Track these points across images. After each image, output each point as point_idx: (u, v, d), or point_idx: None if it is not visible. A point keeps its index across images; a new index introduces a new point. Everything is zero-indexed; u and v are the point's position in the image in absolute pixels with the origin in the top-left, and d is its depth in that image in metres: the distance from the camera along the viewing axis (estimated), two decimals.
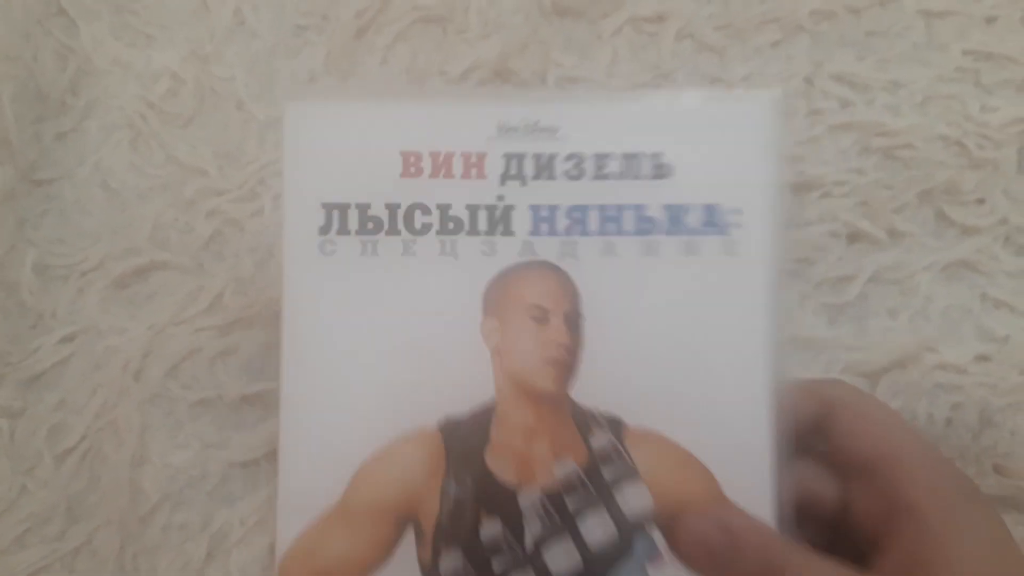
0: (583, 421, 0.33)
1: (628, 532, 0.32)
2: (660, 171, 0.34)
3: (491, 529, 0.32)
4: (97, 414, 0.39)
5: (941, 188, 0.46)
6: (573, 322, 0.33)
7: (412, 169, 0.34)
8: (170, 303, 0.41)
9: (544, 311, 0.33)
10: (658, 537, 0.32)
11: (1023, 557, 0.32)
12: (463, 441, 0.32)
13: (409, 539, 0.31)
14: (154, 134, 0.46)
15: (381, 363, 0.32)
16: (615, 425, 0.33)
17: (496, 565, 0.31)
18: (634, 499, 0.32)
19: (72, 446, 0.38)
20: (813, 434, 0.35)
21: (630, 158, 0.34)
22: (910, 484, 0.32)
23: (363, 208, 0.33)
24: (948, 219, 0.46)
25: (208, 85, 0.46)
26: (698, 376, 0.33)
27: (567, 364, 0.33)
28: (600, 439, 0.33)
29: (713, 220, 0.34)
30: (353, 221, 0.33)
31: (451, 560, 0.31)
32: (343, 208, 0.33)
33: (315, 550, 0.31)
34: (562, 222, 0.34)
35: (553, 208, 0.34)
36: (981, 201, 0.46)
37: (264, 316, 0.41)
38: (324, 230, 0.33)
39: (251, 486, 0.38)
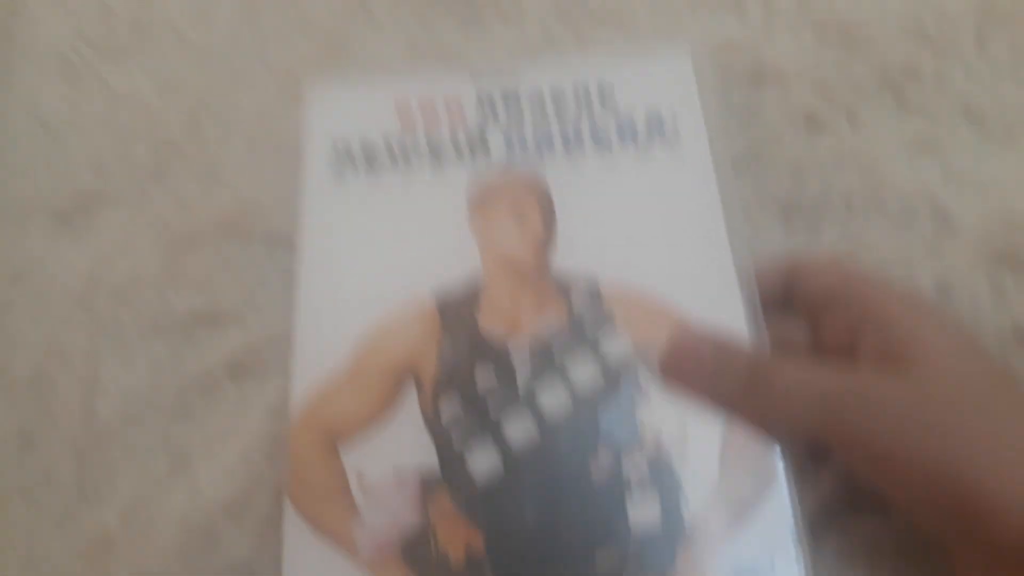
0: (564, 285, 0.37)
1: (613, 374, 0.35)
2: (605, 93, 0.41)
3: (485, 378, 0.35)
4: (46, 345, 0.38)
5: (899, 72, 0.45)
6: (548, 215, 0.38)
7: (405, 116, 0.41)
8: (114, 233, 0.40)
9: (522, 208, 0.38)
10: (643, 377, 0.35)
11: (990, 355, 0.32)
12: (456, 307, 0.36)
13: (412, 394, 0.35)
14: (89, 67, 0.44)
15: (384, 256, 0.37)
16: (593, 286, 0.37)
17: (492, 409, 0.34)
18: (615, 346, 0.35)
19: (23, 377, 0.37)
20: (781, 297, 0.36)
21: (581, 87, 0.41)
22: (874, 298, 0.32)
23: (367, 144, 0.40)
24: (908, 101, 0.45)
25: (143, 15, 0.44)
26: (666, 248, 0.37)
27: (545, 245, 0.37)
28: (580, 298, 0.36)
29: (657, 130, 0.40)
30: (359, 154, 0.40)
31: (450, 407, 0.34)
32: (350, 145, 0.40)
33: (325, 407, 0.34)
34: (531, 144, 0.40)
35: (522, 135, 0.40)
36: (938, 81, 0.45)
37: (212, 235, 0.40)
38: (334, 162, 0.40)
39: (212, 403, 0.37)
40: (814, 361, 0.32)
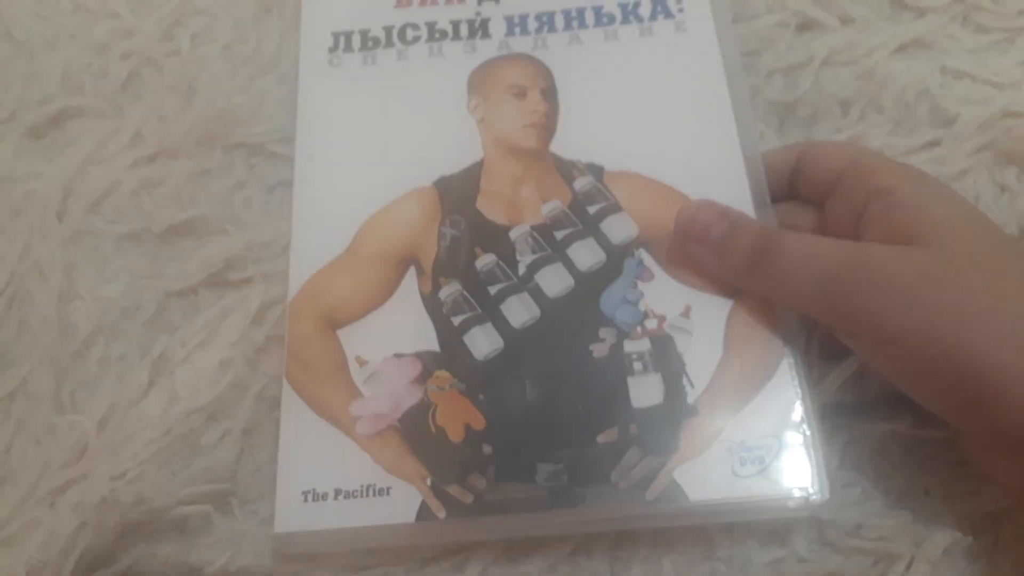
0: (566, 170, 0.36)
1: (616, 255, 0.34)
2: None
3: (485, 261, 0.34)
4: (20, 257, 0.37)
5: None
6: (549, 95, 0.38)
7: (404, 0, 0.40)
8: (88, 145, 0.39)
9: (522, 87, 0.38)
10: (646, 259, 0.34)
11: (1002, 232, 0.31)
12: (456, 191, 0.36)
13: (411, 279, 0.34)
14: None
15: (382, 140, 0.37)
16: (595, 170, 0.36)
17: (492, 291, 0.34)
18: (618, 227, 0.35)
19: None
20: (788, 184, 0.35)
21: None
22: (883, 176, 0.31)
23: (364, 32, 0.39)
24: (901, 2, 0.43)
25: None
26: (670, 131, 0.37)
27: (546, 126, 0.37)
28: (582, 182, 0.36)
29: (662, 8, 0.40)
30: (356, 42, 0.39)
31: (449, 288, 0.34)
32: (348, 34, 0.39)
33: (323, 290, 0.34)
34: (532, 25, 0.39)
35: (524, 15, 0.40)
36: None
37: (189, 146, 0.39)
38: (332, 50, 0.39)
39: (190, 312, 0.36)
40: (823, 237, 0.31)
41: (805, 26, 0.43)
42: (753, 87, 0.41)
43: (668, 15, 0.39)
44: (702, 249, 0.33)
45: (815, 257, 0.30)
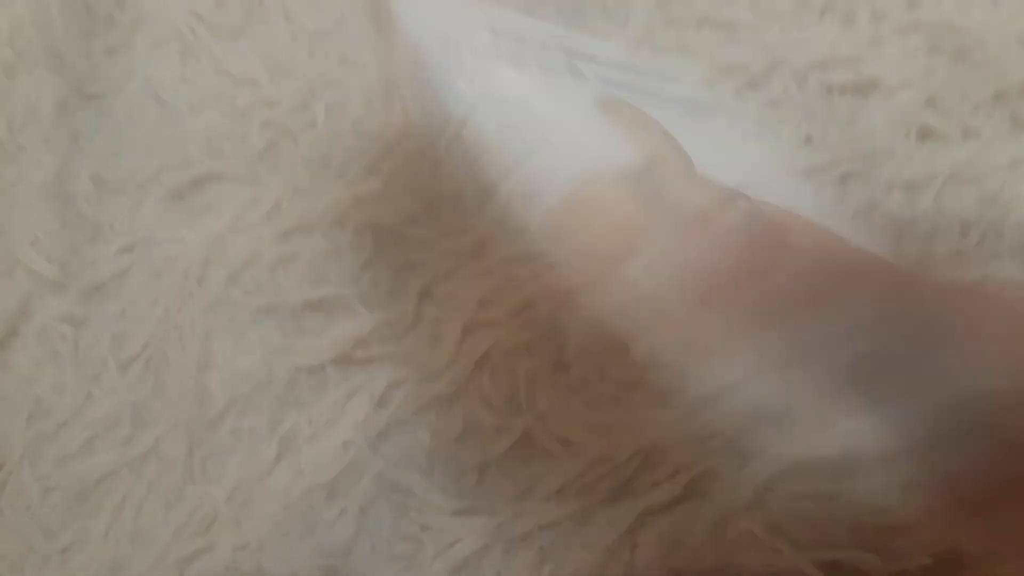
0: None
1: None
2: None
3: None
4: (160, 321, 0.38)
5: (1016, 90, 0.44)
6: None
7: None
8: (227, 212, 0.41)
9: None
10: None
11: None
12: None
13: None
14: (203, 46, 0.45)
15: None
16: None
17: None
18: None
19: (136, 353, 0.38)
20: None
21: None
22: None
23: None
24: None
25: None
26: None
27: None
28: None
29: None
30: None
31: None
32: None
33: None
34: None
35: None
36: None
37: (323, 223, 0.40)
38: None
39: (318, 390, 0.37)
40: None
41: (924, 135, 0.44)
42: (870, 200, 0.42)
43: None
44: None
45: None
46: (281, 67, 0.45)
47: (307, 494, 0.35)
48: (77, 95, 0.44)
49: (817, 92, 0.45)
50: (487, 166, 0.29)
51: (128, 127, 0.43)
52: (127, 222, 0.41)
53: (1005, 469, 0.22)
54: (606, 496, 0.35)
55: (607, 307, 0.26)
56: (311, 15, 0.46)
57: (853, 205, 0.42)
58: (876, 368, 0.23)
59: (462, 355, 0.37)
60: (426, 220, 0.40)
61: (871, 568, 0.31)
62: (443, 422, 0.36)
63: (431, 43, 0.29)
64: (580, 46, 0.32)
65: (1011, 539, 0.23)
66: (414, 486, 0.35)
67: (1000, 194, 0.41)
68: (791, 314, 0.24)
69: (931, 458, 0.22)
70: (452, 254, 0.39)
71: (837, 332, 0.23)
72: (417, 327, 0.38)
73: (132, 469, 0.36)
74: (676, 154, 0.29)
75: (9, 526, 0.36)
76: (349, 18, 0.47)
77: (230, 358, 0.38)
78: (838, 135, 0.44)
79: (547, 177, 0.28)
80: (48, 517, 0.36)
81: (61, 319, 0.39)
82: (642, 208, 0.26)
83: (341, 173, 0.42)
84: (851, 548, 0.32)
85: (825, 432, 0.24)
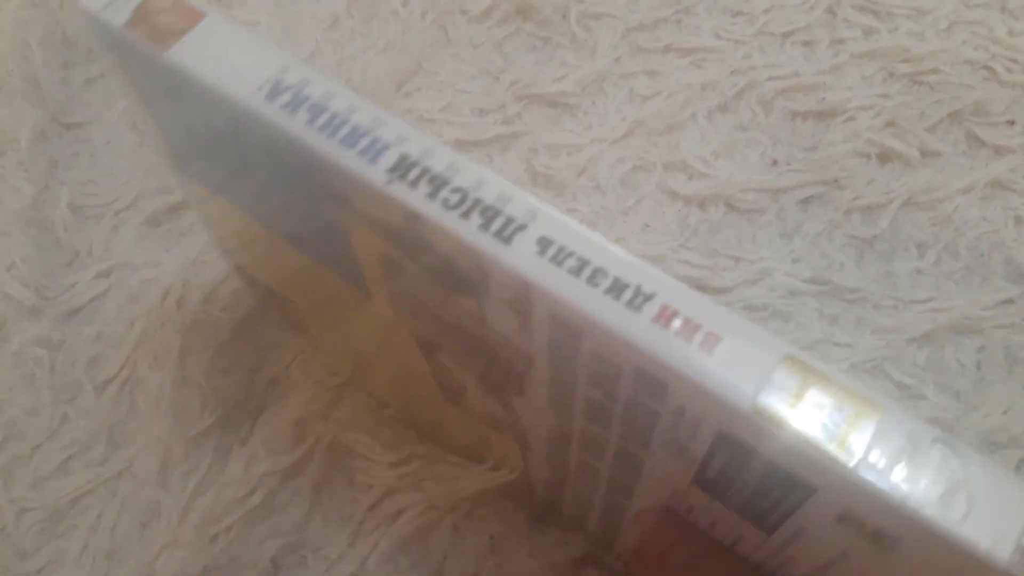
0: None
1: None
2: None
3: None
4: (136, 344, 0.39)
5: (970, 110, 0.46)
6: None
7: None
8: (204, 238, 0.41)
9: None
10: None
11: None
12: None
13: None
14: None
15: None
16: None
17: None
18: None
19: (112, 375, 0.38)
20: None
21: None
22: None
23: None
24: (979, 140, 0.45)
25: None
26: None
27: None
28: None
29: None
30: None
31: None
32: None
33: None
34: None
35: None
36: (1011, 123, 0.46)
37: None
38: None
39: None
40: None
41: (885, 158, 0.45)
42: (832, 221, 0.43)
43: None
44: None
45: None
46: None
47: (265, 478, 0.36)
48: (55, 124, 0.45)
49: (782, 117, 0.47)
50: None
51: (106, 155, 0.44)
52: (104, 247, 0.42)
53: None
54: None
55: None
56: (287, 47, 0.48)
57: (816, 227, 0.43)
58: None
59: None
60: None
61: None
62: None
63: None
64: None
65: None
66: (358, 445, 0.36)
67: (953, 217, 0.43)
68: None
69: None
70: None
71: None
72: None
73: (107, 488, 0.37)
74: None
75: None
76: (324, 50, 0.48)
77: (210, 376, 0.38)
78: (803, 158, 0.45)
79: None
80: (23, 539, 0.36)
81: (37, 343, 0.39)
82: None
83: None
84: None
85: None
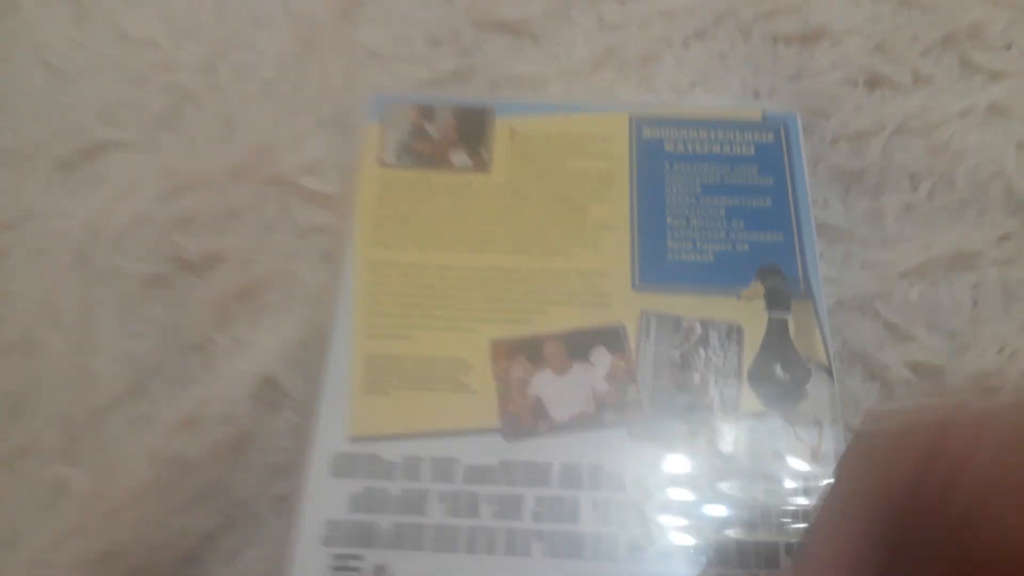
0: None
1: None
2: None
3: None
4: (40, 303, 0.34)
5: (965, 33, 0.42)
6: None
7: None
8: (121, 183, 0.37)
9: None
10: None
11: None
12: None
13: None
14: (99, 6, 0.41)
15: None
16: None
17: None
18: None
19: (12, 340, 0.34)
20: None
21: None
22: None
23: None
24: (975, 65, 0.41)
25: None
26: None
27: None
28: None
29: None
30: None
31: None
32: None
33: None
34: None
35: None
36: (1008, 46, 0.42)
37: (222, 181, 0.37)
38: None
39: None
40: None
41: (873, 84, 0.41)
42: (816, 154, 0.39)
43: None
44: None
45: None
46: (184, 28, 0.41)
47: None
48: None
49: (763, 43, 0.43)
50: None
51: (12, 94, 0.40)
52: (8, 196, 0.37)
53: None
54: None
55: None
56: None
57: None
58: None
59: None
60: None
61: None
62: None
63: None
64: None
65: None
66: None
67: (950, 144, 0.39)
68: None
69: None
70: None
71: None
72: None
73: (6, 464, 0.32)
74: None
75: None
76: None
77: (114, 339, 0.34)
78: (785, 89, 0.41)
79: None
80: None
81: None
82: None
83: (244, 132, 0.38)
84: None
85: None
